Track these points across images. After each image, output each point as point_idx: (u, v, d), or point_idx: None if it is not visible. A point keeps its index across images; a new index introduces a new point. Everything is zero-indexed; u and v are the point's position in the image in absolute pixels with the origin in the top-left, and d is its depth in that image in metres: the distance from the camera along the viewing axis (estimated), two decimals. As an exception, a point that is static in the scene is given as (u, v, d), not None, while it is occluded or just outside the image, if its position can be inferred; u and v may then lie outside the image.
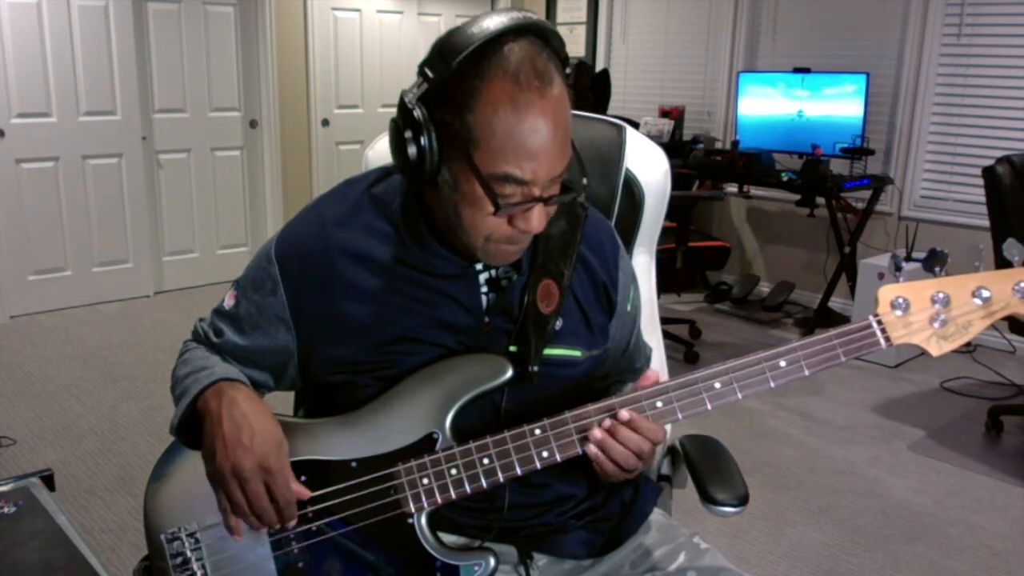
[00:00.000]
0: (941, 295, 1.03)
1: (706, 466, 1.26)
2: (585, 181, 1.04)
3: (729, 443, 1.37)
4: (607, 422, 1.01)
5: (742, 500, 1.20)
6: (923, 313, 1.03)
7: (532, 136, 0.93)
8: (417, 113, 0.95)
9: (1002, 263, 1.04)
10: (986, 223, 3.15)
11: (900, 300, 1.03)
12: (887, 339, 1.03)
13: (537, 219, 0.98)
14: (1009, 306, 1.02)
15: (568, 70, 0.99)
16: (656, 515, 1.24)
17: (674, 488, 1.42)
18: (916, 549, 2.51)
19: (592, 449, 1.01)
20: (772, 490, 2.84)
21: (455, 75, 0.93)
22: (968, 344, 4.20)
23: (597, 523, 1.17)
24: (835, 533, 2.59)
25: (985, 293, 1.02)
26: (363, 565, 1.04)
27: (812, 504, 2.76)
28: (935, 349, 1.03)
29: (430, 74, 0.95)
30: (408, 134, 0.96)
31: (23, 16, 4.24)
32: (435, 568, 1.03)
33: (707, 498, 1.21)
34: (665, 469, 1.42)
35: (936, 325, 1.03)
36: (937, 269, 1.03)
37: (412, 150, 0.96)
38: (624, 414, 1.00)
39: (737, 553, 2.46)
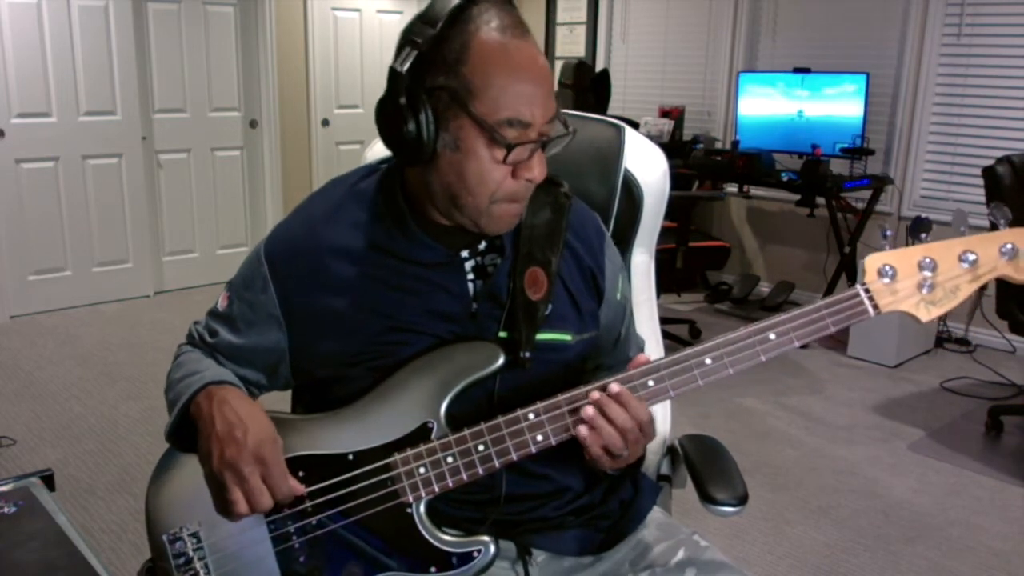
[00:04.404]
0: (928, 260, 1.02)
1: (706, 466, 1.26)
2: (573, 130, 1.04)
3: (729, 443, 1.37)
4: (595, 394, 1.00)
5: (741, 500, 1.20)
6: (910, 279, 1.02)
7: (527, 79, 0.98)
8: (409, 84, 0.98)
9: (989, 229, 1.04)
10: (986, 223, 3.14)
11: (887, 268, 1.02)
12: (875, 307, 1.02)
13: (539, 166, 1.01)
14: (996, 268, 1.02)
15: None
16: (655, 514, 1.24)
17: (674, 488, 1.42)
18: (916, 549, 2.51)
19: (582, 431, 1.00)
20: (772, 490, 2.84)
21: (442, 36, 0.97)
22: (968, 344, 4.23)
23: (596, 520, 1.17)
24: (835, 533, 2.59)
25: (971, 256, 1.02)
26: (364, 556, 1.04)
27: (812, 504, 2.76)
28: (924, 315, 1.03)
29: (418, 40, 0.97)
30: (403, 100, 0.98)
31: (23, 16, 4.24)
32: (435, 556, 1.03)
33: (707, 498, 1.21)
34: (665, 469, 1.42)
35: (924, 291, 1.02)
36: (923, 236, 1.03)
37: (411, 125, 0.98)
38: (614, 387, 1.01)
39: (737, 553, 2.46)
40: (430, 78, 0.98)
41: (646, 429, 1.02)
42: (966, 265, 1.02)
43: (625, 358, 1.27)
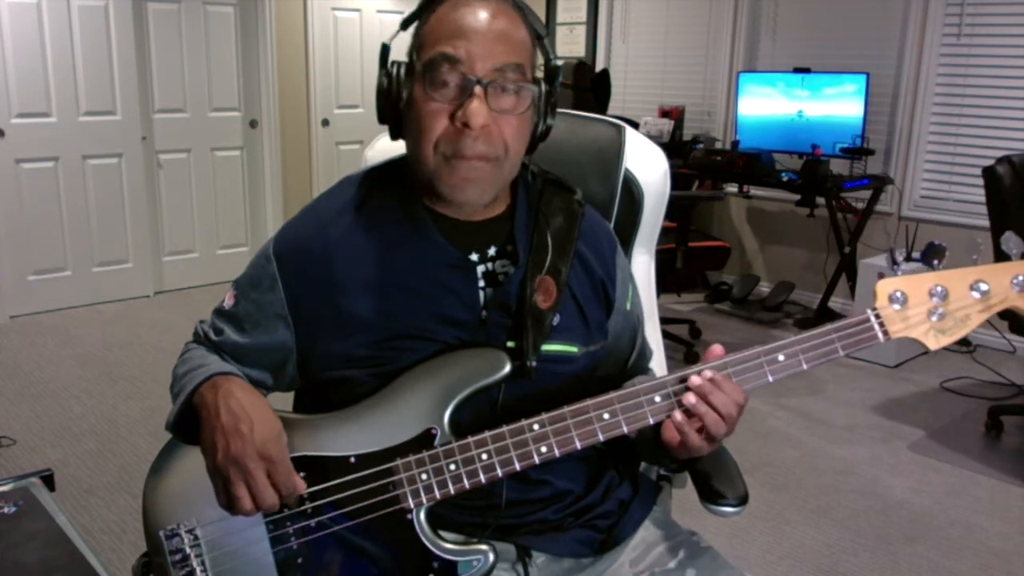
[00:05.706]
0: (939, 288, 1.02)
1: (706, 466, 1.26)
2: (538, 83, 1.06)
3: (729, 443, 1.36)
4: (695, 380, 1.00)
5: (742, 500, 1.19)
6: (921, 307, 1.03)
7: (465, 18, 1.01)
8: (386, 50, 1.07)
9: (1001, 258, 1.04)
10: (986, 223, 3.15)
11: (898, 294, 1.02)
12: (885, 333, 1.02)
13: (476, 110, 0.99)
14: (1007, 299, 1.02)
15: (547, 43, 1.08)
16: (656, 514, 1.23)
17: (674, 488, 1.42)
18: (916, 549, 2.51)
19: (677, 417, 1.00)
20: (772, 490, 2.84)
21: (420, 14, 1.06)
22: (968, 344, 4.23)
23: (595, 521, 1.17)
24: (835, 533, 2.59)
25: (983, 286, 1.02)
26: (362, 560, 1.04)
27: (812, 504, 2.76)
28: (933, 343, 1.03)
29: (403, 26, 1.08)
30: (380, 71, 1.06)
31: (23, 16, 4.24)
32: (434, 563, 1.03)
33: (707, 498, 1.21)
34: (665, 469, 1.42)
35: (934, 319, 1.02)
36: (935, 262, 1.03)
37: (383, 80, 1.05)
38: (707, 373, 1.00)
39: (737, 553, 2.46)
40: (408, 53, 1.06)
41: (741, 411, 1.02)
42: (977, 295, 1.02)
43: (644, 370, 1.27)
